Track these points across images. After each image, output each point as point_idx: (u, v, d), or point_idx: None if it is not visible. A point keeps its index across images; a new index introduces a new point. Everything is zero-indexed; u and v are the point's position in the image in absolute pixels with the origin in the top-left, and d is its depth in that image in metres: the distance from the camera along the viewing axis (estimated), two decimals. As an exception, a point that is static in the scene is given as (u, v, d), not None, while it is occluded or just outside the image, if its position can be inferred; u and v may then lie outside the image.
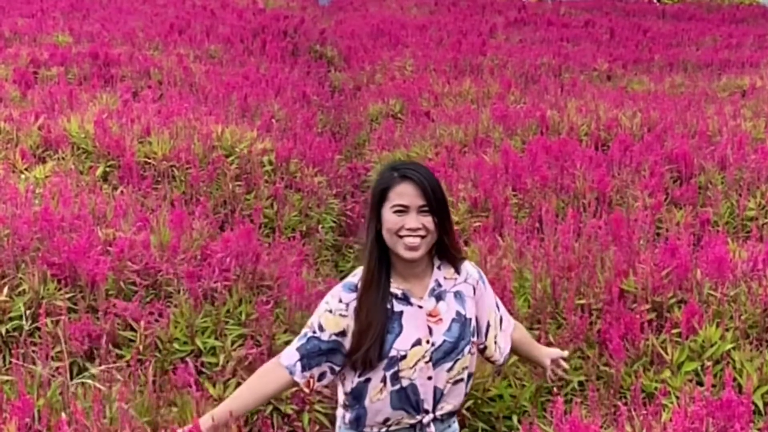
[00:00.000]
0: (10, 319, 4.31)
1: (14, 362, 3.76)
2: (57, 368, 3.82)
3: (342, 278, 5.87)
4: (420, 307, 2.81)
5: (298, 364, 2.77)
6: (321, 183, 6.85)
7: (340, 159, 7.82)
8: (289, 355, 2.79)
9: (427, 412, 2.85)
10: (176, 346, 4.28)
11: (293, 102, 9.34)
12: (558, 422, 3.34)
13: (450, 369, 2.83)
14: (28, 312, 4.31)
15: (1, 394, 3.49)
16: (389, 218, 2.74)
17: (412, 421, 2.85)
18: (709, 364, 3.96)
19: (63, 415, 3.25)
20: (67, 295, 4.46)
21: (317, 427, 4.17)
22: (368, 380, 2.80)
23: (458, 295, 2.87)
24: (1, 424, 3.25)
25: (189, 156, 6.66)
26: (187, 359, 4.20)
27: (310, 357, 2.76)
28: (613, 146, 7.01)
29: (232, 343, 4.34)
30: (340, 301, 2.77)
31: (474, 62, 11.60)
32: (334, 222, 6.65)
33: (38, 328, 4.19)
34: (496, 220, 5.74)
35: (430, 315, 2.81)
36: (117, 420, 3.36)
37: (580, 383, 4.14)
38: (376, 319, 2.73)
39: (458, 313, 2.85)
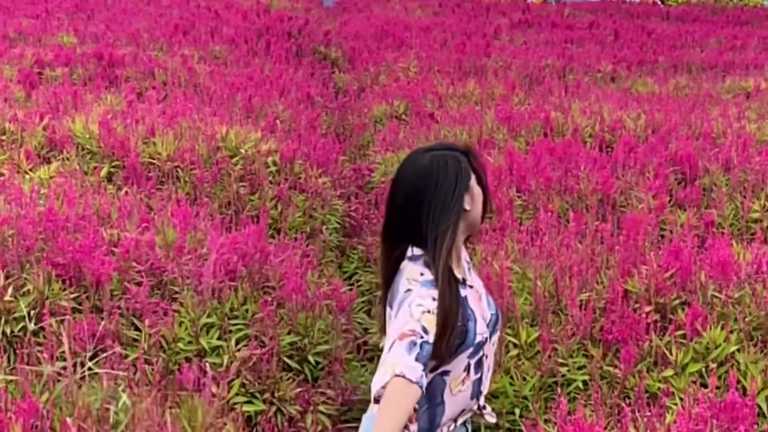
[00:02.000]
0: (15, 319, 4.32)
1: (19, 362, 3.77)
2: (63, 368, 3.83)
3: (346, 280, 5.91)
4: (471, 287, 2.80)
5: (423, 375, 2.58)
6: (325, 184, 6.86)
7: (344, 160, 7.83)
8: (414, 369, 2.55)
9: (481, 393, 2.84)
10: (181, 345, 4.29)
11: (297, 103, 9.34)
12: (562, 423, 3.35)
13: (494, 342, 2.85)
14: (32, 312, 4.31)
15: (6, 394, 3.50)
16: (479, 193, 2.76)
17: (475, 407, 2.85)
18: (713, 366, 3.97)
19: (68, 420, 3.25)
20: (72, 296, 4.47)
21: (320, 428, 4.18)
22: (446, 372, 2.71)
23: (470, 269, 2.89)
24: (7, 423, 3.25)
25: (193, 157, 6.66)
26: (192, 360, 4.20)
27: (426, 364, 2.61)
28: (618, 148, 7.01)
29: (237, 342, 4.34)
30: (434, 299, 2.64)
31: (478, 64, 11.60)
32: (339, 223, 6.65)
33: (43, 328, 4.20)
34: (501, 222, 5.74)
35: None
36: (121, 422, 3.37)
37: (584, 382, 4.15)
38: (455, 306, 2.67)
39: (484, 286, 2.88)
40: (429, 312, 2.61)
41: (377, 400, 2.70)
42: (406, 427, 2.73)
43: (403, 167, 2.76)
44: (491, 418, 3.00)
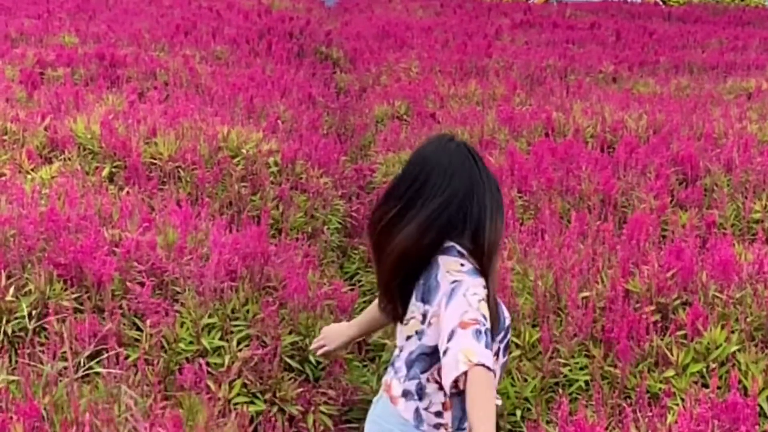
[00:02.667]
0: (16, 319, 4.32)
1: (21, 361, 3.78)
2: (63, 368, 3.83)
3: (347, 280, 5.91)
4: None
5: (494, 361, 2.62)
6: (326, 184, 6.86)
7: (345, 160, 7.83)
8: (488, 357, 2.56)
9: None
10: (182, 345, 4.29)
11: (299, 103, 9.35)
12: (563, 423, 3.35)
13: None
14: (34, 312, 4.32)
15: (7, 393, 3.51)
16: None
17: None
18: (714, 366, 3.98)
19: (68, 416, 3.26)
20: (73, 296, 4.47)
21: (322, 428, 4.17)
22: None
23: None
24: (9, 424, 3.26)
25: (195, 157, 6.67)
26: (194, 360, 4.20)
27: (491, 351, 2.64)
28: (619, 148, 7.01)
29: (238, 343, 4.34)
30: (483, 287, 2.67)
31: (479, 64, 11.60)
32: (340, 223, 6.65)
33: (44, 328, 4.21)
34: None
35: None
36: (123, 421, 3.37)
37: (585, 382, 4.15)
38: (494, 292, 2.73)
39: None
40: (483, 300, 2.63)
41: (457, 392, 2.65)
42: (440, 415, 2.75)
43: (439, 159, 2.72)
44: (498, 401, 3.01)
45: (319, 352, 3.35)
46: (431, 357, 2.73)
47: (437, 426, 2.75)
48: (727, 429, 3.29)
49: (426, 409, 2.76)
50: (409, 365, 2.79)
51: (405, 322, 2.80)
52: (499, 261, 2.77)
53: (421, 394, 2.76)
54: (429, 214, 2.69)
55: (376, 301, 3.15)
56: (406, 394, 2.78)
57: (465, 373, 2.51)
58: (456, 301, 2.60)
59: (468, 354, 2.51)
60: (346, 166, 7.70)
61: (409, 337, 2.80)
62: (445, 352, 2.56)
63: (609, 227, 5.29)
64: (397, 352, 2.87)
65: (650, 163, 6.70)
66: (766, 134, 7.77)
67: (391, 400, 2.81)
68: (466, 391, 2.52)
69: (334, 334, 3.32)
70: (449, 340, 2.55)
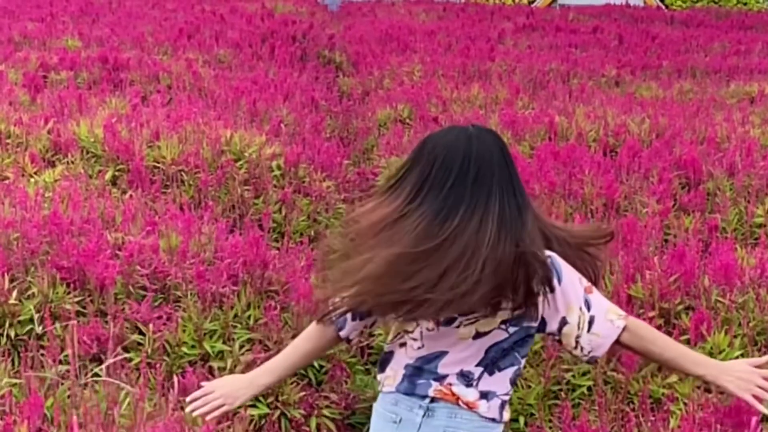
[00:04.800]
0: (19, 322, 4.33)
1: (23, 366, 3.78)
2: (66, 371, 3.83)
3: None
4: None
5: None
6: (329, 188, 6.87)
7: (348, 164, 7.83)
8: None
9: None
10: (184, 349, 4.29)
11: (302, 107, 9.35)
12: (567, 428, 3.35)
13: None
14: (37, 315, 4.32)
15: (10, 397, 3.51)
16: None
17: None
18: (717, 370, 3.96)
19: (74, 417, 3.25)
20: (76, 299, 4.47)
21: (324, 432, 4.18)
22: None
23: None
24: (12, 425, 3.26)
25: (198, 160, 6.67)
26: (196, 364, 4.21)
27: None
28: (622, 152, 7.01)
29: (240, 347, 4.35)
30: None
31: (482, 68, 11.60)
32: (342, 227, 6.64)
33: (47, 331, 4.21)
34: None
35: None
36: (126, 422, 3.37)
37: (588, 388, 4.15)
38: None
39: None
40: None
41: (592, 360, 2.66)
42: (508, 393, 2.67)
43: (483, 151, 2.78)
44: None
45: (213, 414, 2.71)
46: (534, 336, 2.70)
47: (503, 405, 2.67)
48: (729, 434, 3.29)
49: (505, 393, 2.65)
50: (496, 359, 2.61)
51: (458, 323, 2.58)
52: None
53: (515, 379, 2.67)
54: (535, 214, 2.80)
55: (309, 332, 2.81)
56: (486, 394, 2.61)
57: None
58: (565, 272, 2.61)
59: (614, 311, 2.61)
60: (349, 169, 7.70)
61: (483, 333, 2.59)
62: (590, 322, 2.58)
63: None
64: (413, 362, 2.65)
65: (653, 167, 6.69)
66: (768, 138, 7.77)
67: (468, 406, 2.60)
68: (643, 341, 2.59)
69: (235, 389, 2.75)
70: (589, 309, 2.59)
